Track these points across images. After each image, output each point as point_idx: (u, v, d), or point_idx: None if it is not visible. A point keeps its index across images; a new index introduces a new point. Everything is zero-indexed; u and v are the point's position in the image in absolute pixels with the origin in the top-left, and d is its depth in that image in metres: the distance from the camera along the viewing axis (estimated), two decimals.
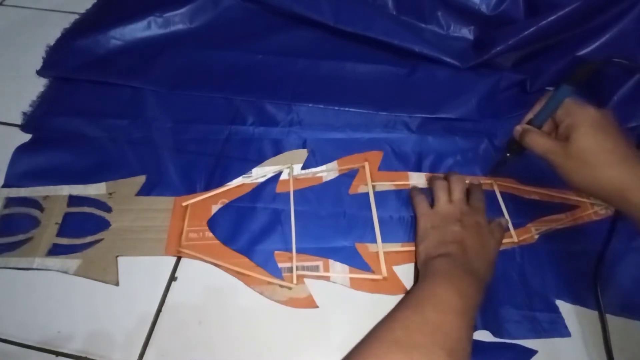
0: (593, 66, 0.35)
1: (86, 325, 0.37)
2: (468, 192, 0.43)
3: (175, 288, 0.39)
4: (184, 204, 0.43)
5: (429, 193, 0.43)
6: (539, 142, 0.37)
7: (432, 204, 0.42)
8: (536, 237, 0.42)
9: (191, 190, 0.44)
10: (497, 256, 0.39)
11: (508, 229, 0.42)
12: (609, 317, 0.37)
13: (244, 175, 0.45)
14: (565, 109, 0.36)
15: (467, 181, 0.44)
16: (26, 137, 0.49)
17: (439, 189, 0.42)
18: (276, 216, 0.42)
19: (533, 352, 0.35)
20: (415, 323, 0.31)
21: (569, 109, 0.36)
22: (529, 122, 0.38)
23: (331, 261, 0.40)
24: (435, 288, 0.34)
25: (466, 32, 0.57)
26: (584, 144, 0.34)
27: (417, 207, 0.42)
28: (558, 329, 0.36)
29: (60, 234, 0.41)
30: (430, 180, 0.45)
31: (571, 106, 0.36)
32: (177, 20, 0.59)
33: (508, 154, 0.41)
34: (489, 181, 0.45)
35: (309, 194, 0.44)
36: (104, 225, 0.42)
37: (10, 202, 0.43)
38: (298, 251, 0.40)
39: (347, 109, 0.50)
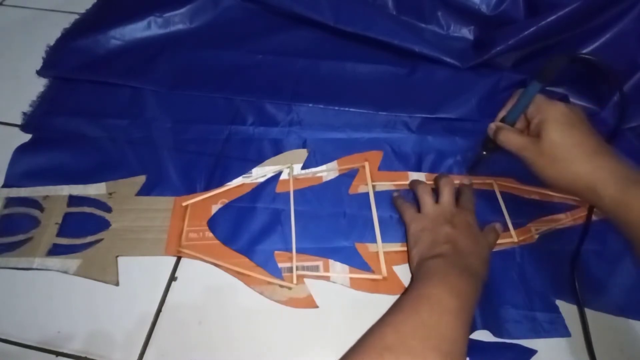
0: (561, 62, 0.35)
1: (86, 325, 0.37)
2: (458, 193, 0.43)
3: (175, 288, 0.39)
4: (184, 204, 0.43)
5: (412, 198, 0.43)
6: (511, 139, 0.37)
7: (418, 208, 0.41)
8: (536, 237, 0.42)
9: (191, 190, 0.44)
10: (490, 256, 0.38)
11: (508, 229, 0.42)
12: (612, 317, 0.37)
13: (244, 175, 0.45)
14: (536, 106, 0.37)
15: (457, 182, 0.44)
16: (26, 137, 0.49)
17: (423, 192, 0.42)
18: (276, 216, 0.42)
19: (533, 352, 0.35)
20: (409, 326, 0.30)
21: (540, 106, 0.37)
22: (502, 120, 0.39)
23: (331, 261, 0.40)
24: (430, 289, 0.33)
25: (466, 32, 0.57)
26: (554, 139, 0.35)
27: (405, 213, 0.42)
28: (558, 329, 0.36)
29: (60, 234, 0.41)
30: (411, 185, 0.44)
31: (541, 103, 0.37)
32: (177, 20, 0.59)
33: (484, 152, 0.42)
34: (489, 181, 0.45)
35: (309, 194, 0.44)
36: (104, 225, 0.42)
37: (10, 202, 0.43)
38: (298, 251, 0.40)
39: (347, 109, 0.50)
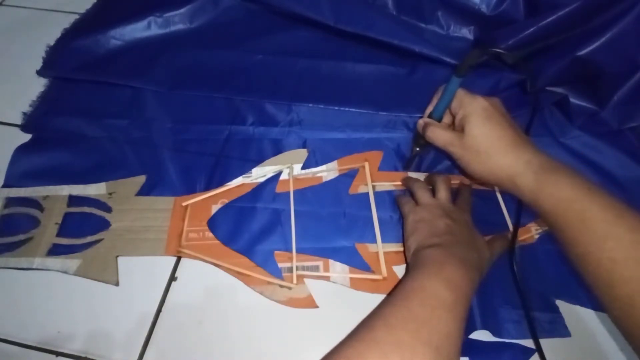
0: (476, 56, 0.36)
1: (86, 325, 0.37)
2: (456, 193, 0.42)
3: (175, 288, 0.39)
4: (184, 204, 0.43)
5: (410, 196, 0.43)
6: (438, 134, 0.38)
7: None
8: (536, 237, 0.42)
9: (191, 190, 0.44)
10: (491, 260, 0.37)
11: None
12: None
13: (244, 175, 0.45)
14: (458, 101, 0.38)
15: (457, 182, 0.44)
16: (26, 137, 0.49)
17: (418, 188, 0.41)
18: (276, 216, 0.42)
19: (532, 351, 0.35)
20: (399, 320, 0.29)
21: (462, 100, 0.38)
22: (429, 116, 0.40)
23: (331, 261, 0.40)
24: (424, 281, 0.32)
25: (466, 32, 0.57)
26: (475, 134, 0.36)
27: (403, 206, 0.41)
28: (558, 329, 0.36)
29: (60, 234, 0.41)
30: (405, 182, 0.44)
31: (463, 97, 0.38)
32: (177, 20, 0.59)
33: (417, 149, 0.42)
34: None
35: (309, 194, 0.44)
36: (104, 225, 0.42)
37: (10, 202, 0.43)
38: (298, 251, 0.40)
39: (347, 109, 0.50)
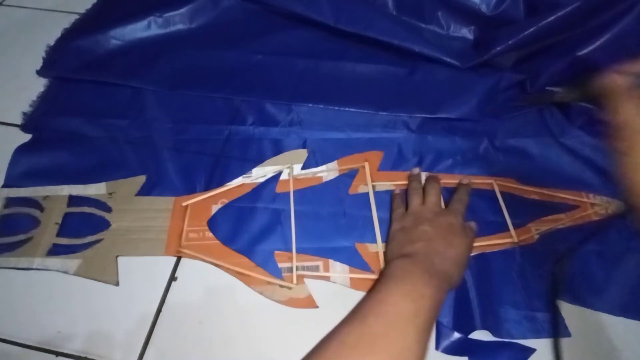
0: None
1: (86, 325, 0.37)
2: (454, 192, 0.42)
3: (175, 288, 0.39)
4: (184, 204, 0.43)
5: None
6: (630, 110, 0.29)
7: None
8: (536, 237, 0.42)
9: (191, 190, 0.44)
10: (468, 260, 0.37)
11: (505, 229, 0.42)
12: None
13: (244, 175, 0.45)
14: None
15: (456, 181, 0.44)
16: (26, 137, 0.49)
17: (412, 191, 0.42)
18: (276, 216, 0.42)
19: (531, 351, 0.35)
20: (353, 336, 0.29)
21: None
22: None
23: (331, 261, 0.40)
24: (386, 294, 0.32)
25: (466, 32, 0.57)
26: None
27: (393, 212, 0.42)
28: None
29: (60, 234, 0.41)
30: (409, 180, 0.44)
31: None
32: (177, 20, 0.59)
33: (567, 95, 0.38)
34: (489, 181, 0.45)
35: (309, 194, 0.44)
36: (104, 225, 0.42)
37: (10, 202, 0.43)
38: (298, 251, 0.40)
39: (347, 109, 0.50)
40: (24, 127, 0.49)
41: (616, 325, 0.37)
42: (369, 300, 0.32)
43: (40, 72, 0.54)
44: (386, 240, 0.40)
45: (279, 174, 0.45)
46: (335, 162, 0.46)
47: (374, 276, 0.39)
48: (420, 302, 0.31)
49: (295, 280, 0.38)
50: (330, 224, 0.42)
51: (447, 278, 0.34)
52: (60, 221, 0.42)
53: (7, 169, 0.46)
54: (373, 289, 0.34)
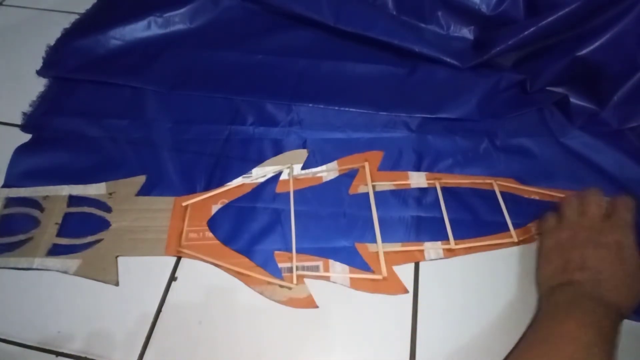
0: None
1: (86, 325, 0.37)
2: (611, 206, 0.35)
3: (175, 288, 0.39)
4: (184, 204, 0.43)
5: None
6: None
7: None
8: (536, 237, 0.42)
9: (191, 190, 0.44)
10: None
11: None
12: None
13: (244, 175, 0.45)
14: None
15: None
16: (26, 137, 0.49)
17: (568, 205, 0.36)
18: (276, 216, 0.42)
19: None
20: None
21: None
22: None
23: (331, 261, 0.40)
24: (561, 326, 0.29)
25: (466, 32, 0.57)
26: None
27: (544, 222, 0.37)
28: None
29: (60, 234, 0.41)
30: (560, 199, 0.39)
31: None
32: (177, 20, 0.59)
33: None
34: (489, 181, 0.45)
35: (309, 194, 0.44)
36: (104, 225, 0.42)
37: (10, 202, 0.43)
38: (298, 251, 0.40)
39: (347, 109, 0.50)
40: (24, 127, 0.49)
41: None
42: (545, 332, 0.30)
43: (40, 72, 0.54)
44: (538, 257, 0.36)
45: (279, 174, 0.45)
46: (335, 162, 0.46)
47: (374, 276, 0.39)
48: (599, 333, 0.28)
49: (295, 280, 0.38)
50: (330, 224, 0.42)
51: (618, 309, 0.30)
52: (60, 221, 0.42)
53: (7, 169, 0.46)
54: (542, 319, 0.31)
